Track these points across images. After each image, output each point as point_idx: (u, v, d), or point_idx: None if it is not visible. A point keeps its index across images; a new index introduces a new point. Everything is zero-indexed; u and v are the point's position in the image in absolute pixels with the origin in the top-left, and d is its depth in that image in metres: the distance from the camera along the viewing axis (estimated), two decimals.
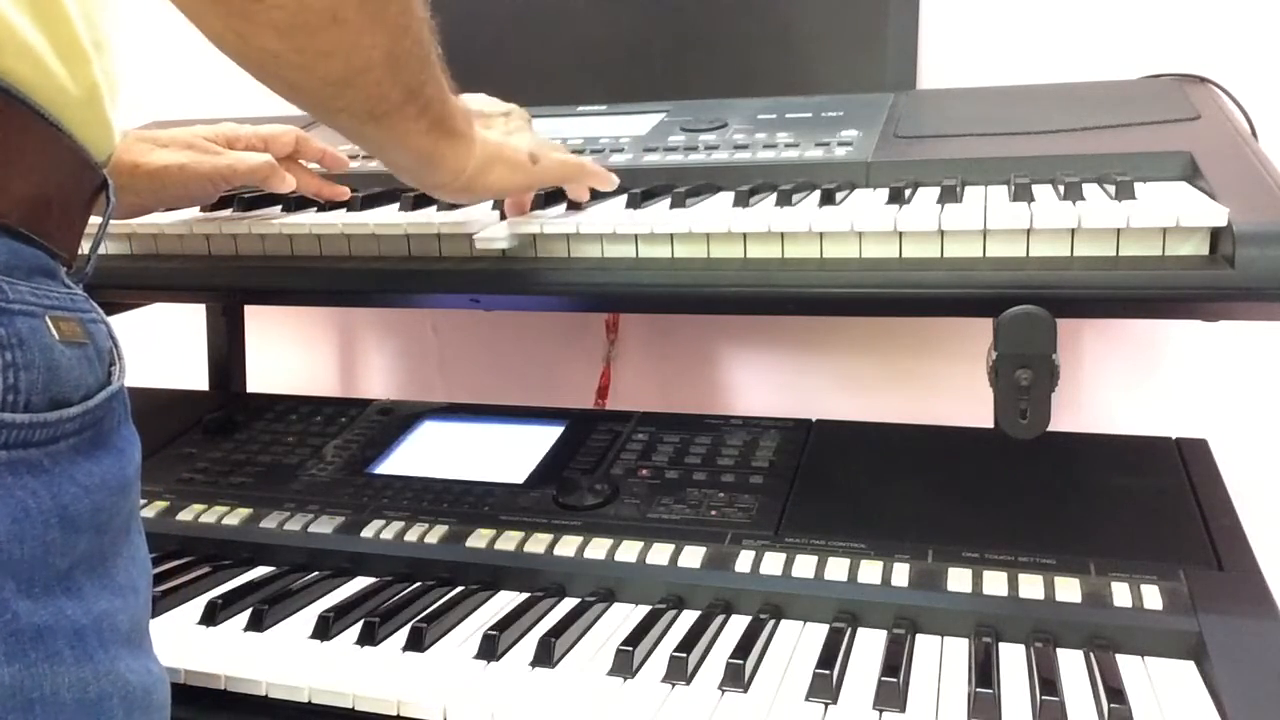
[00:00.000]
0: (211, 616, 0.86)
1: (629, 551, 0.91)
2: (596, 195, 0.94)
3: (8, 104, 0.51)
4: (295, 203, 0.99)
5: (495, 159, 0.81)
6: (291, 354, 1.64)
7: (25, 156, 0.53)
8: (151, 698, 0.57)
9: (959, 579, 0.84)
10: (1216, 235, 0.73)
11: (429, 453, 1.12)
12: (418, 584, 0.92)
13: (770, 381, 1.43)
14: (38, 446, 0.51)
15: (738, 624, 0.84)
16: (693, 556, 0.90)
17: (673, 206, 0.88)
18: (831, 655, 0.77)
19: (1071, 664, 0.76)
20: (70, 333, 0.54)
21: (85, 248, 0.60)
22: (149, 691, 0.57)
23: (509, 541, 0.94)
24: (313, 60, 0.61)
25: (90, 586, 0.54)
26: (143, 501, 1.03)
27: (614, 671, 0.77)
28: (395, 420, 1.19)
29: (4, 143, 0.51)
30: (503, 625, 0.82)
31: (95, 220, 0.61)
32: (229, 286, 1.06)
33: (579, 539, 0.93)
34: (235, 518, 1.02)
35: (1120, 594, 0.81)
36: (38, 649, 0.50)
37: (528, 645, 0.80)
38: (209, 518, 1.02)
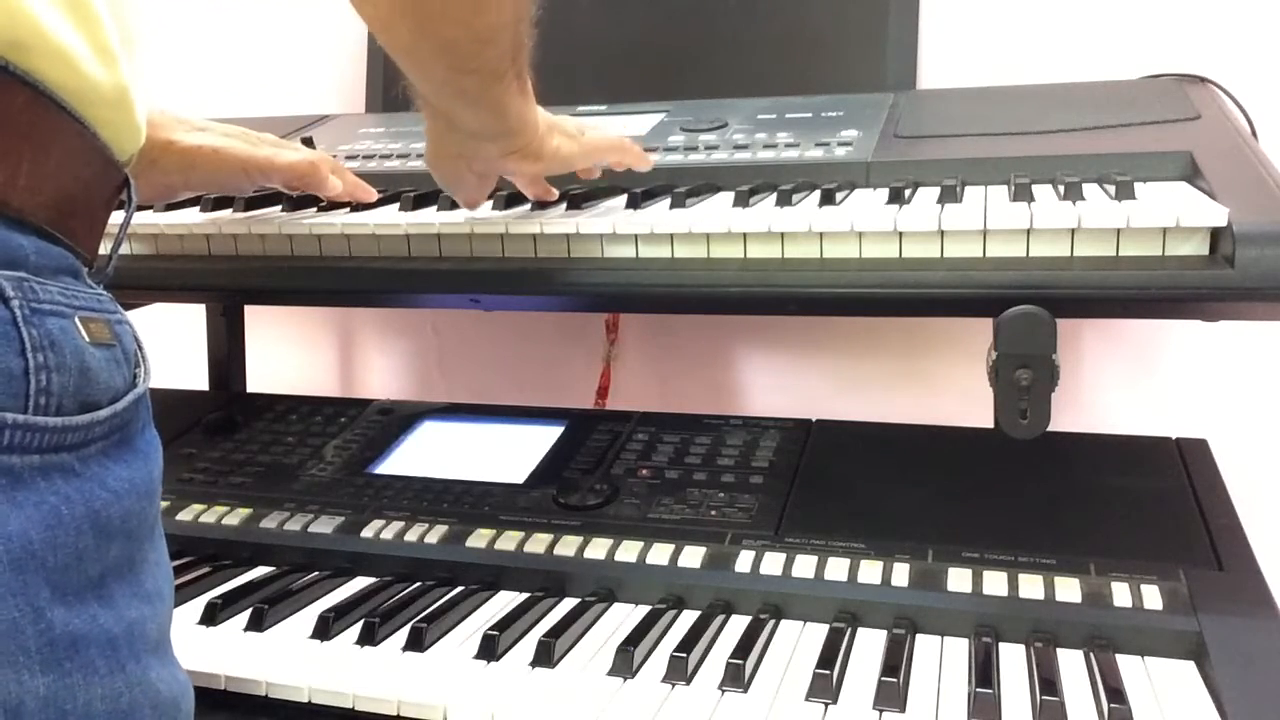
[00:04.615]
0: (211, 616, 0.86)
1: (629, 551, 0.91)
2: (596, 195, 0.94)
3: (38, 103, 0.51)
4: (295, 202, 0.99)
5: (552, 126, 0.84)
6: (291, 354, 1.64)
7: (54, 156, 0.52)
8: (180, 707, 0.57)
9: (959, 579, 0.84)
10: (1216, 235, 0.73)
11: (429, 453, 1.12)
12: (418, 584, 0.92)
13: (770, 381, 1.43)
14: (69, 451, 0.50)
15: (738, 624, 0.84)
16: (693, 556, 0.90)
17: (673, 206, 0.88)
18: (831, 655, 0.77)
19: (1071, 664, 0.76)
20: (99, 334, 0.53)
21: (105, 247, 0.59)
22: (177, 701, 0.56)
23: (509, 541, 0.94)
24: (471, 16, 0.66)
25: (122, 593, 0.53)
26: None
27: (614, 671, 0.77)
28: (395, 420, 1.19)
29: (35, 142, 0.51)
30: (503, 625, 0.82)
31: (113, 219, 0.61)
32: (229, 286, 1.06)
33: (579, 539, 0.93)
34: (235, 518, 1.02)
35: (1120, 594, 0.81)
36: (72, 659, 0.49)
37: (528, 645, 0.80)
38: (209, 518, 1.02)
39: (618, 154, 0.91)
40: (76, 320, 0.51)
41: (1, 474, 0.47)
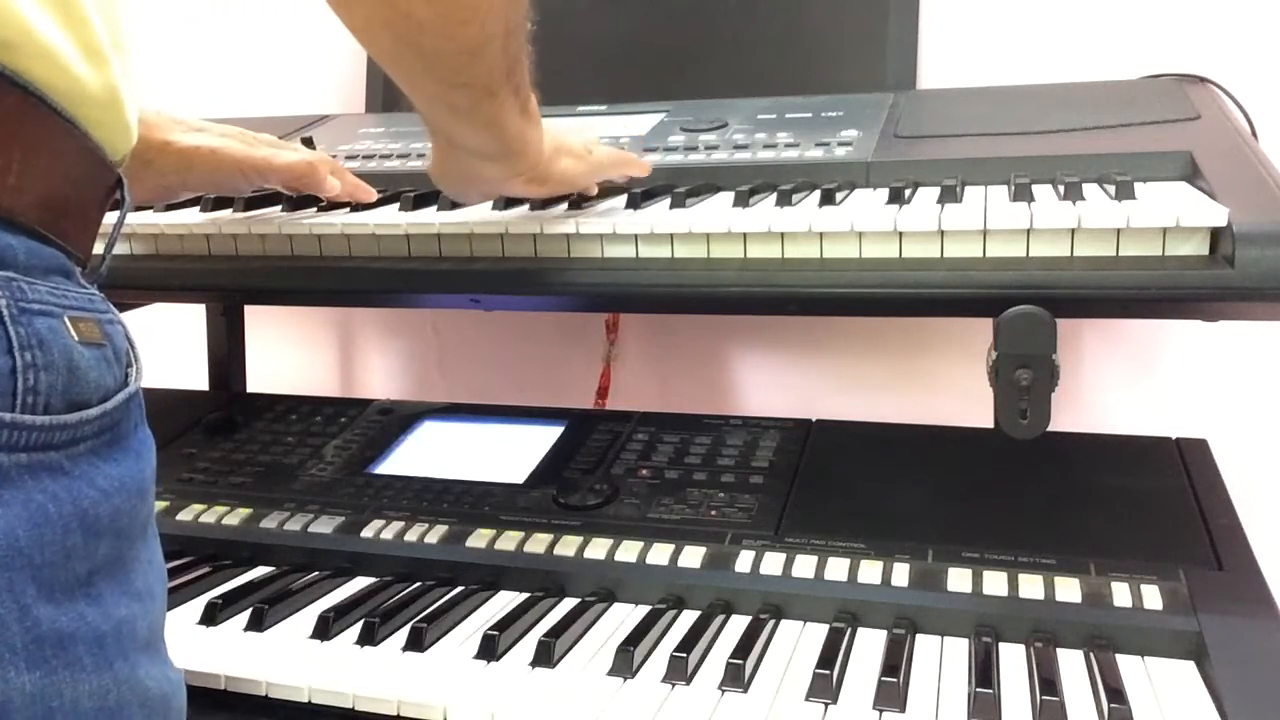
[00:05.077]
0: (211, 616, 0.86)
1: (629, 551, 0.91)
2: (598, 194, 0.94)
3: (27, 103, 0.51)
4: (295, 202, 0.99)
5: (559, 149, 0.83)
6: (291, 354, 1.63)
7: (44, 156, 0.52)
8: (170, 705, 0.57)
9: (959, 579, 0.84)
10: (1216, 235, 0.73)
11: (429, 453, 1.12)
12: (418, 584, 0.92)
13: (770, 381, 1.43)
14: (57, 449, 0.50)
15: (738, 624, 0.84)
16: (693, 556, 0.90)
17: (673, 206, 0.88)
18: (831, 655, 0.77)
19: (1071, 664, 0.76)
20: (89, 333, 0.53)
21: (99, 248, 0.59)
22: (167, 699, 0.56)
23: (509, 541, 0.94)
24: (453, 27, 0.64)
25: (110, 592, 0.53)
26: None
27: (614, 671, 0.77)
28: (395, 420, 1.19)
29: (24, 142, 0.51)
30: (503, 625, 0.82)
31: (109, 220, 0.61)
32: (229, 286, 1.06)
33: (579, 539, 0.93)
34: (235, 518, 1.02)
35: (1120, 594, 0.81)
36: (59, 656, 0.49)
37: (528, 645, 0.80)
38: (209, 518, 1.02)
39: (622, 168, 0.92)
40: (65, 320, 0.52)
41: None
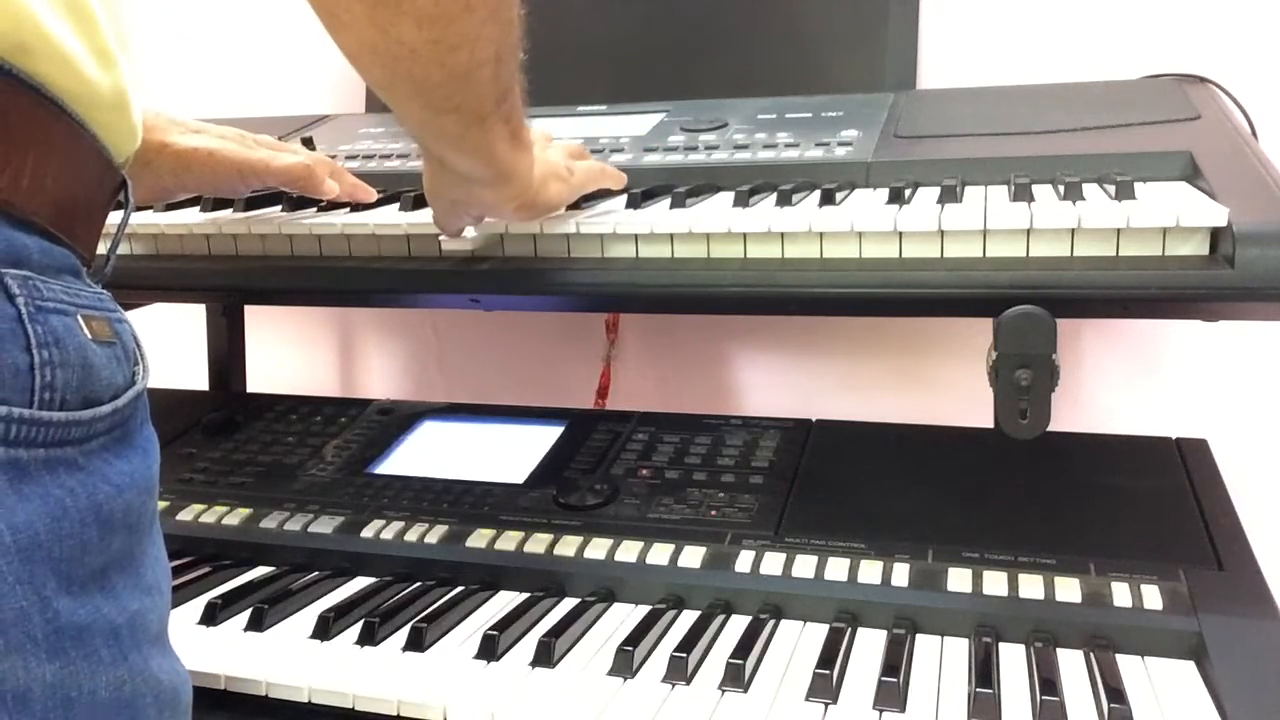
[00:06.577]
0: (211, 616, 0.86)
1: (629, 551, 0.91)
2: (597, 194, 0.94)
3: (41, 106, 0.52)
4: (295, 202, 0.99)
5: (548, 174, 0.81)
6: (291, 354, 1.64)
7: (56, 158, 0.53)
8: (179, 698, 0.58)
9: (959, 579, 0.84)
10: (1216, 235, 0.73)
11: (429, 453, 1.12)
12: (418, 584, 0.92)
13: (770, 381, 1.43)
14: (73, 445, 0.51)
15: (738, 624, 0.84)
16: (693, 556, 0.90)
17: (673, 206, 0.88)
18: (831, 655, 0.77)
19: (1071, 664, 0.76)
20: (101, 332, 0.54)
21: (102, 248, 0.60)
22: (177, 692, 0.57)
23: (509, 541, 0.94)
24: (443, 53, 0.63)
25: (124, 586, 0.54)
26: None
27: (614, 671, 0.77)
28: (395, 420, 1.19)
29: (38, 145, 0.52)
30: (503, 625, 0.82)
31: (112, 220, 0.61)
32: (229, 286, 1.06)
33: (579, 539, 0.93)
34: (235, 518, 1.02)
35: (1120, 594, 0.81)
36: (78, 648, 0.50)
37: (528, 645, 0.80)
38: (209, 518, 1.02)
39: (599, 183, 0.91)
40: (79, 318, 0.52)
41: (8, 467, 0.48)
